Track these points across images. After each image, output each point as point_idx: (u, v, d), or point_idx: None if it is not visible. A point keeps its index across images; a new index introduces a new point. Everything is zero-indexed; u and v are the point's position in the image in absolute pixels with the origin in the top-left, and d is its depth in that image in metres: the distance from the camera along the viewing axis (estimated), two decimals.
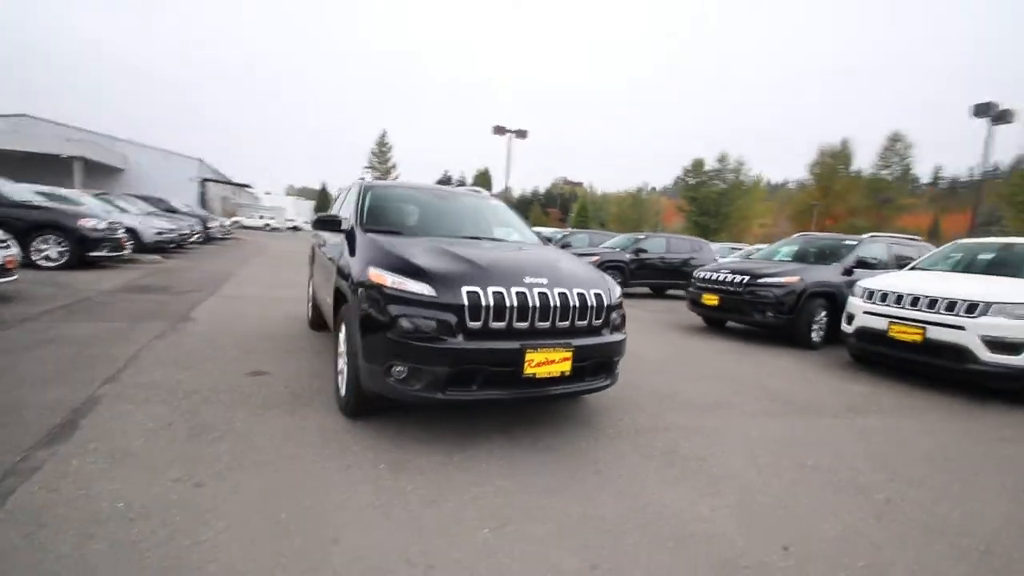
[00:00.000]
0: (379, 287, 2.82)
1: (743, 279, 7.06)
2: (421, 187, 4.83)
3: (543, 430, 3.28)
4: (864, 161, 49.62)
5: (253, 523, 2.09)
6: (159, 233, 12.52)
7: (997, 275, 5.49)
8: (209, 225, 19.91)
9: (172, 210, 18.08)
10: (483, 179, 58.16)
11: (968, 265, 5.99)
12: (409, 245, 3.28)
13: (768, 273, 7.01)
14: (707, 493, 2.64)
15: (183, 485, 2.33)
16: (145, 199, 16.76)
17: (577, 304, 2.96)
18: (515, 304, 2.79)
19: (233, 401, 3.40)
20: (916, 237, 8.41)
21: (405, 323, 2.70)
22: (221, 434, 2.88)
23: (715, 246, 16.40)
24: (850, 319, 5.81)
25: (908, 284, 5.36)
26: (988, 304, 4.65)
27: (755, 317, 6.99)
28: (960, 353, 4.73)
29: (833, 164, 49.43)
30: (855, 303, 5.75)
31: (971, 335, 4.67)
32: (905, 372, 5.54)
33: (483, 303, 2.74)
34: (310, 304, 5.80)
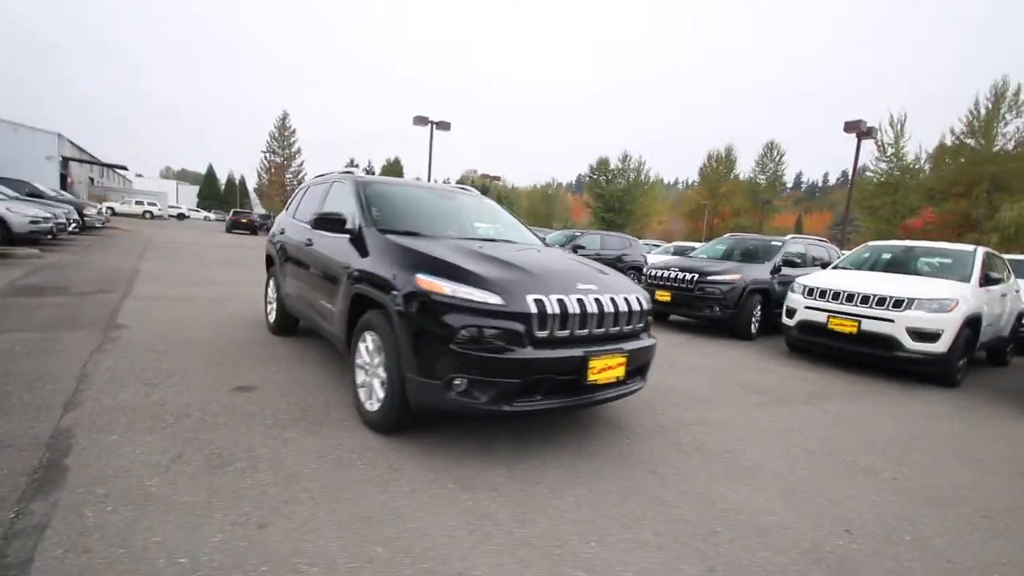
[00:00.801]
0: (434, 296, 2.65)
1: (693, 277, 7.59)
2: (415, 184, 4.57)
3: (578, 434, 3.30)
4: (745, 166, 55.31)
5: (353, 564, 1.88)
6: (33, 222, 10.57)
7: (907, 273, 6.46)
8: (86, 213, 17.20)
9: (36, 194, 15.35)
10: (394, 169, 56.26)
11: (878, 264, 6.96)
12: (444, 248, 3.11)
13: (714, 271, 7.59)
14: (754, 485, 2.82)
15: (244, 528, 2.03)
16: (2, 181, 14.01)
17: (625, 309, 3.01)
18: (576, 311, 2.77)
19: (237, 423, 3.01)
20: (823, 239, 9.58)
21: (472, 334, 2.56)
22: (249, 463, 2.55)
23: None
24: (791, 313, 6.48)
25: (842, 282, 6.10)
26: (912, 300, 5.44)
27: (704, 312, 7.55)
28: (889, 342, 5.50)
29: (719, 168, 54.57)
30: (796, 299, 6.42)
31: (898, 327, 5.43)
32: (836, 359, 6.31)
33: (549, 311, 2.68)
34: (272, 307, 5.27)
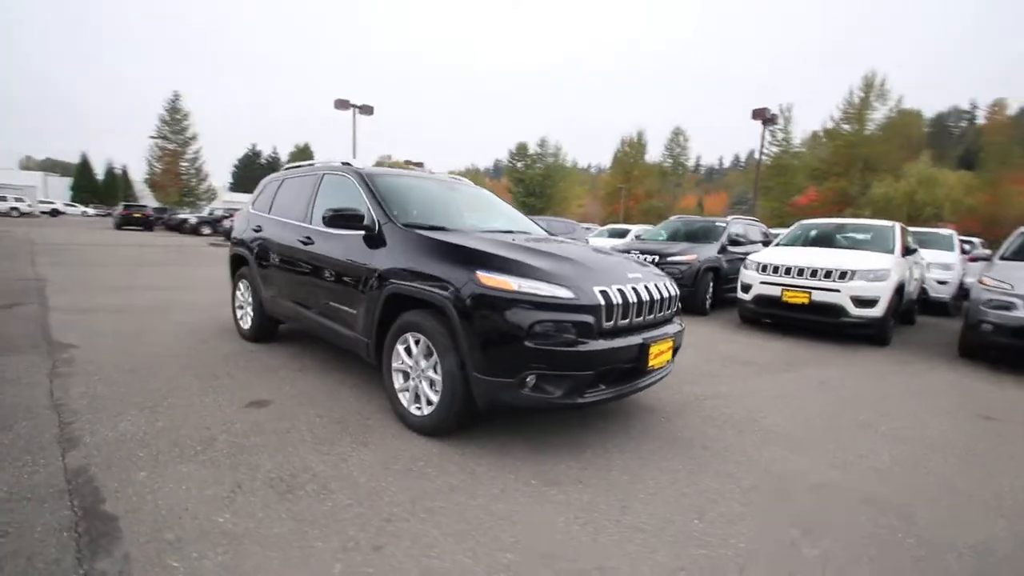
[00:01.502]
0: (502, 293, 2.58)
1: (655, 258, 7.97)
2: (417, 175, 4.35)
3: (614, 419, 3.40)
4: (654, 151, 58.46)
5: (494, 575, 1.83)
6: None
7: (838, 248, 7.25)
8: None
9: None
10: (303, 155, 52.90)
11: (815, 240, 7.73)
12: (485, 243, 3.03)
13: (673, 252, 8.04)
14: (791, 449, 3.07)
15: (360, 553, 1.90)
16: None
17: (666, 296, 3.12)
18: (634, 300, 2.83)
19: (276, 442, 2.77)
20: (755, 219, 10.45)
21: (545, 329, 2.54)
22: (318, 484, 2.36)
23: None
24: (747, 288, 7.04)
25: (791, 258, 6.71)
26: (854, 271, 6.13)
27: None
28: (837, 310, 6.16)
29: (631, 152, 57.20)
30: (751, 275, 6.98)
31: (844, 296, 6.10)
32: (783, 328, 6.97)
33: (614, 302, 2.72)
34: (247, 312, 4.83)
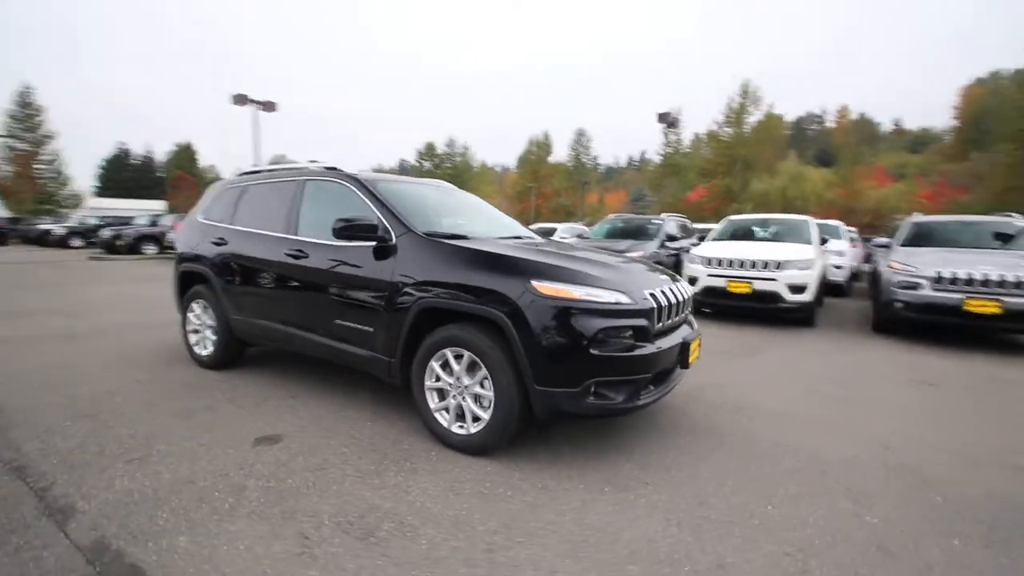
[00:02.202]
0: (564, 302, 2.54)
1: None
2: (406, 180, 4.10)
3: (643, 417, 3.49)
4: (559, 151, 60.58)
5: None
6: None
7: (765, 241, 8.02)
8: None
9: None
10: (185, 154, 47.85)
11: (744, 234, 8.48)
12: (526, 251, 2.96)
13: (622, 250, 8.36)
14: (809, 430, 3.35)
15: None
16: None
17: (687, 297, 3.26)
18: (673, 302, 2.93)
19: (315, 482, 2.50)
20: (683, 216, 11.23)
21: (610, 336, 2.54)
22: (394, 522, 2.18)
23: None
24: (693, 280, 7.54)
25: (732, 251, 7.31)
26: (788, 261, 6.82)
27: None
28: (775, 297, 6.82)
29: (538, 152, 58.79)
30: (697, 268, 7.49)
31: (781, 284, 6.77)
32: (726, 316, 7.58)
33: (662, 304, 2.79)
34: (206, 337, 4.30)
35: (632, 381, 2.62)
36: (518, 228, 4.15)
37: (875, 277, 7.13)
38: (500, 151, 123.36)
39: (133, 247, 18.13)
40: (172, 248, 14.23)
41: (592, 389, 2.55)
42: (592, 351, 2.50)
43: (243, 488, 2.42)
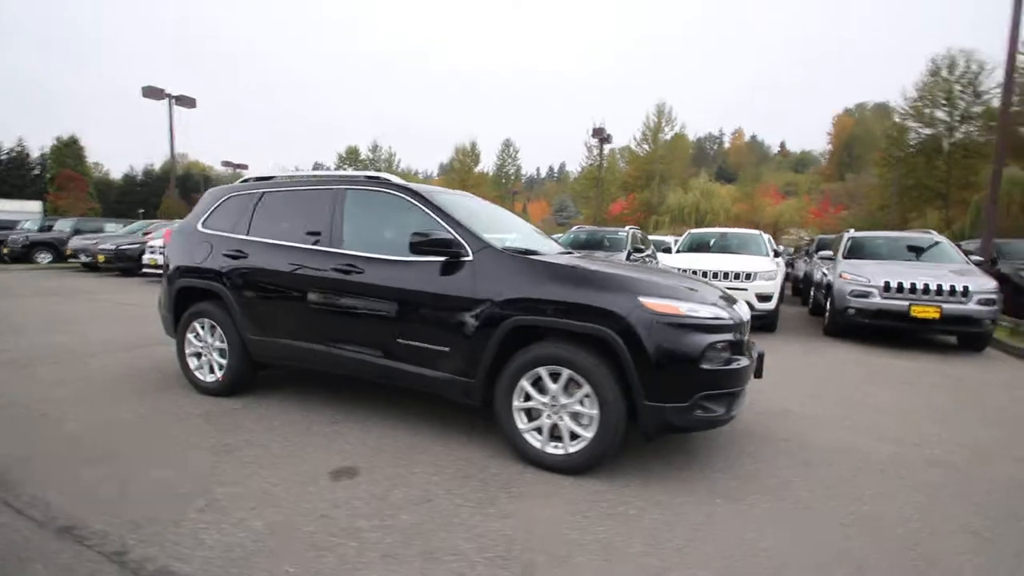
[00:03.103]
0: (673, 318, 2.59)
1: None
2: (450, 192, 3.92)
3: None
4: (487, 160, 61.14)
5: None
6: None
7: (727, 252, 8.64)
8: None
9: None
10: (70, 150, 42.31)
11: (708, 247, 9.08)
12: (613, 267, 2.98)
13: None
14: (846, 431, 3.65)
15: None
16: None
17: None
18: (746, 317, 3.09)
19: (431, 517, 2.34)
20: (638, 227, 11.77)
21: (715, 350, 2.63)
22: (546, 554, 2.09)
23: None
24: None
25: (703, 264, 7.80)
26: (755, 272, 7.41)
27: None
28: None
29: (465, 161, 58.91)
30: None
31: (751, 293, 7.33)
32: None
33: (745, 319, 2.93)
34: (206, 360, 3.86)
35: (731, 393, 2.72)
36: (551, 241, 4.15)
37: (826, 286, 7.91)
38: (421, 157, 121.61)
39: (23, 256, 15.61)
40: (92, 259, 12.49)
41: (699, 403, 2.62)
42: (702, 365, 2.58)
43: (358, 530, 2.20)
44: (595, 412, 2.67)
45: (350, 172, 3.74)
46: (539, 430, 2.83)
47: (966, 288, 6.24)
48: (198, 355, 3.94)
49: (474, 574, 1.94)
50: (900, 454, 3.25)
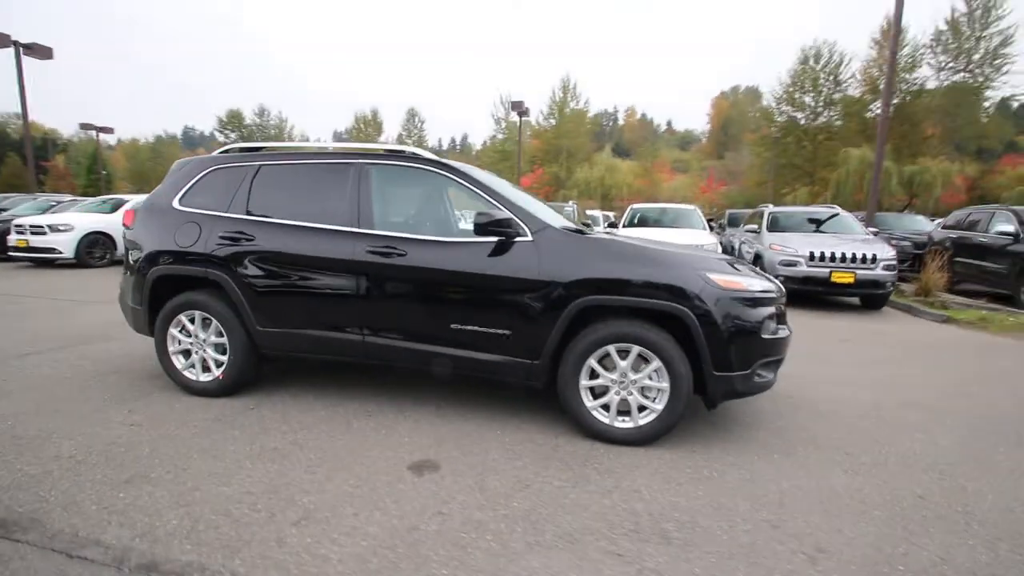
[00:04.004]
0: (740, 293, 2.77)
1: None
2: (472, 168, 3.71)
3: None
4: (391, 130, 58.47)
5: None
6: None
7: (667, 227, 9.23)
8: None
9: None
10: None
11: (652, 221, 9.60)
12: (667, 244, 3.09)
13: None
14: (887, 399, 4.17)
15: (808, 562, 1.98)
16: None
17: None
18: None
19: (542, 501, 2.34)
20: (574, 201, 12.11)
21: (771, 320, 2.86)
22: (673, 522, 2.20)
23: None
24: None
25: (655, 237, 8.24)
26: (703, 245, 8.00)
27: None
28: None
29: (366, 130, 55.89)
30: None
31: None
32: None
33: (781, 290, 3.20)
34: (200, 357, 3.41)
35: (778, 360, 3.00)
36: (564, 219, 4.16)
37: (754, 256, 8.76)
38: (314, 124, 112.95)
39: None
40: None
41: (756, 371, 2.86)
42: (763, 335, 2.81)
43: (481, 523, 2.14)
44: (665, 385, 2.80)
45: (368, 144, 3.41)
46: (606, 407, 2.91)
47: (874, 256, 7.30)
48: (186, 353, 3.45)
49: (623, 550, 1.99)
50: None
